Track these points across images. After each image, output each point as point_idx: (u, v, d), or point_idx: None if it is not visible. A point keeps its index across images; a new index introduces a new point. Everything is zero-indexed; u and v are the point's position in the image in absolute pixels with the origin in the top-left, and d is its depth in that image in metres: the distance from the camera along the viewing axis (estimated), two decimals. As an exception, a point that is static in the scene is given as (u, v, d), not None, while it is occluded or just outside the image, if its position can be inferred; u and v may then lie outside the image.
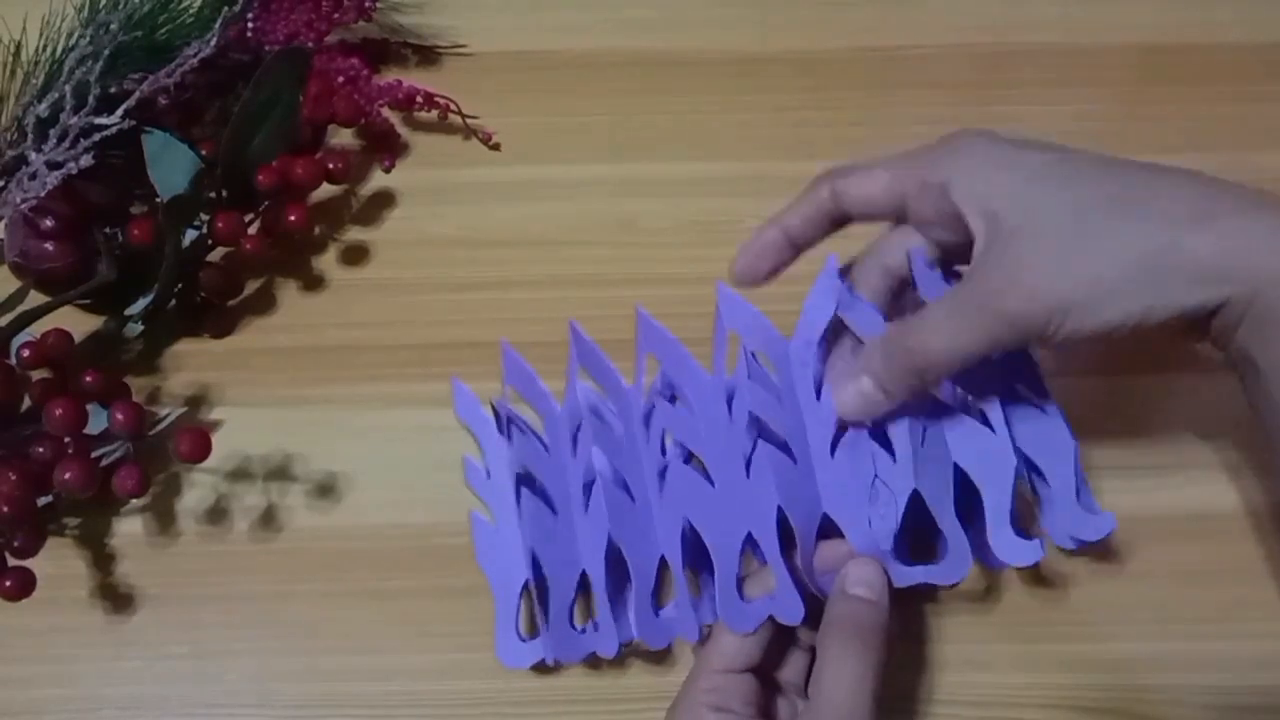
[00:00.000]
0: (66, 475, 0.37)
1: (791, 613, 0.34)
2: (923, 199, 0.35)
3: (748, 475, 0.35)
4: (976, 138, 0.34)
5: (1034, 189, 0.32)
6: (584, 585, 0.37)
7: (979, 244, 0.33)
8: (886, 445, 0.35)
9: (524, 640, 0.38)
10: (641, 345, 0.37)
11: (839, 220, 0.37)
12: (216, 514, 0.42)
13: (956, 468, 0.35)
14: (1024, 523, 0.35)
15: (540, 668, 0.38)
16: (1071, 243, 0.31)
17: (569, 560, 0.37)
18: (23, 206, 0.41)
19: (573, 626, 0.37)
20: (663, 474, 0.36)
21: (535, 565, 0.36)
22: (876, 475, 0.35)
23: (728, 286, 0.37)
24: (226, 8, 0.46)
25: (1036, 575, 0.40)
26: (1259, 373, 0.32)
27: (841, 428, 0.35)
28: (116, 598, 0.41)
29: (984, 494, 0.35)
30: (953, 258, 0.36)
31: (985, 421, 0.35)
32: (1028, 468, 0.36)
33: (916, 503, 0.34)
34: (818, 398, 0.35)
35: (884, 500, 0.34)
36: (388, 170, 0.51)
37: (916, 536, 0.36)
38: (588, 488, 0.37)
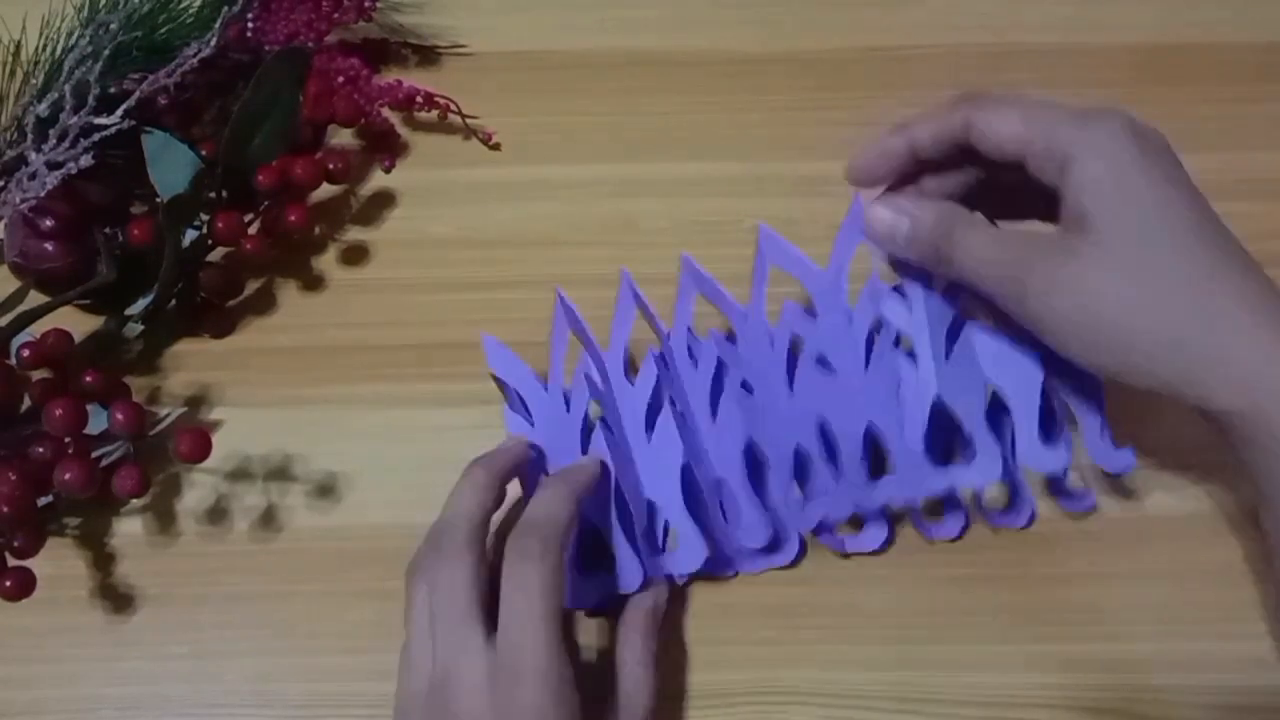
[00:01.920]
0: (66, 475, 0.37)
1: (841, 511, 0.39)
2: (1042, 163, 0.34)
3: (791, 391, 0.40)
4: (1118, 127, 0.33)
5: (1131, 222, 0.32)
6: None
7: (1059, 229, 0.34)
8: (911, 358, 0.39)
9: (586, 576, 0.39)
10: (685, 287, 0.42)
11: (965, 150, 0.36)
12: (216, 514, 0.43)
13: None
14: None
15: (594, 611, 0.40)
16: (1120, 296, 0.32)
17: (643, 487, 0.39)
18: (23, 206, 0.41)
19: (646, 550, 0.39)
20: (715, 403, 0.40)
21: (619, 496, 0.38)
22: (901, 382, 0.39)
23: (769, 227, 0.41)
24: (226, 8, 0.46)
25: (1037, 574, 0.41)
26: (1264, 497, 0.33)
27: (869, 345, 0.39)
28: (116, 598, 0.41)
29: (1011, 406, 0.38)
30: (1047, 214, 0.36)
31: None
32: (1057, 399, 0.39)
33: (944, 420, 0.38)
34: (849, 323, 0.40)
35: (911, 405, 0.38)
36: (388, 170, 0.51)
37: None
38: (651, 418, 0.40)
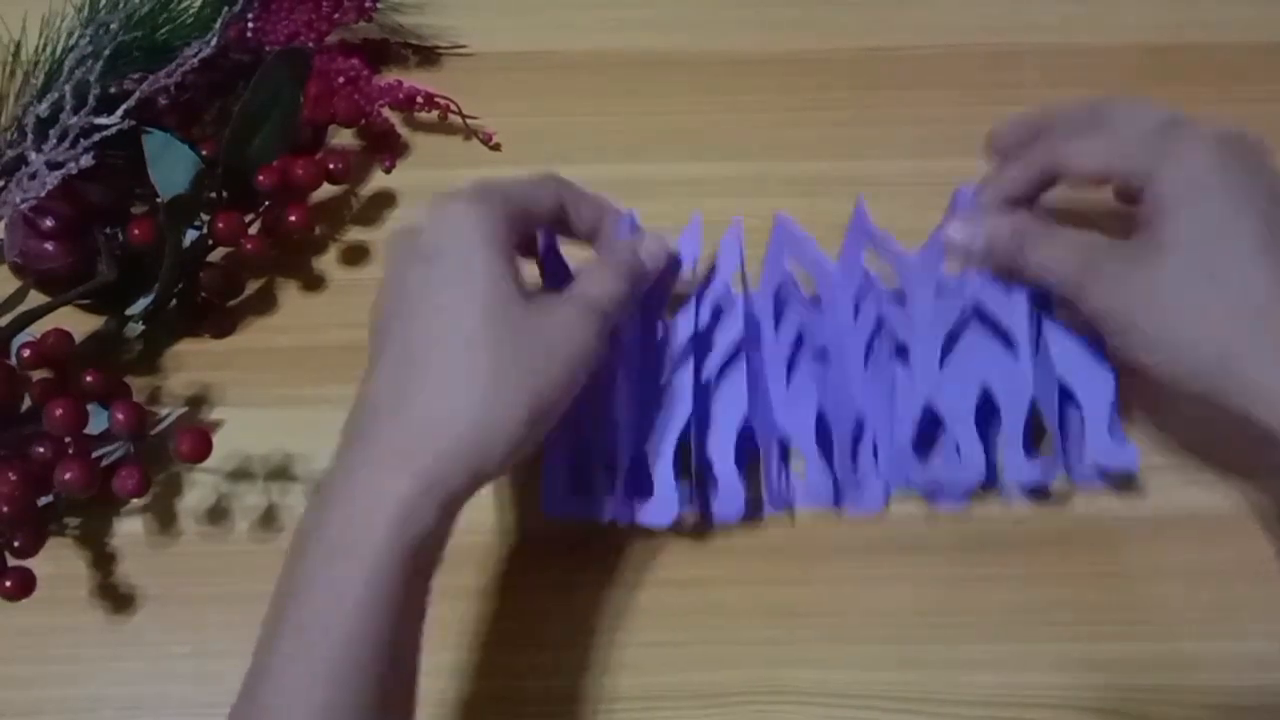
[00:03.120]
0: (66, 475, 0.37)
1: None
2: (1127, 182, 0.37)
3: (787, 385, 0.42)
4: (1203, 138, 0.35)
5: (1200, 233, 0.34)
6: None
7: (1137, 233, 0.36)
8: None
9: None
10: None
11: (1049, 181, 0.39)
12: (217, 514, 0.42)
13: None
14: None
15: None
16: (1178, 304, 0.33)
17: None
18: (23, 206, 0.41)
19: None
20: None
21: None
22: (896, 384, 0.41)
23: (786, 216, 0.44)
24: (226, 8, 0.46)
25: (1036, 574, 0.40)
26: None
27: (869, 345, 0.42)
28: (116, 598, 0.41)
29: (1082, 403, 0.39)
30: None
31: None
32: (1063, 397, 0.40)
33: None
34: (855, 319, 0.42)
35: (902, 403, 0.40)
36: (388, 170, 0.51)
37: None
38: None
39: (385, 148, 0.51)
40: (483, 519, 0.40)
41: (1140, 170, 0.35)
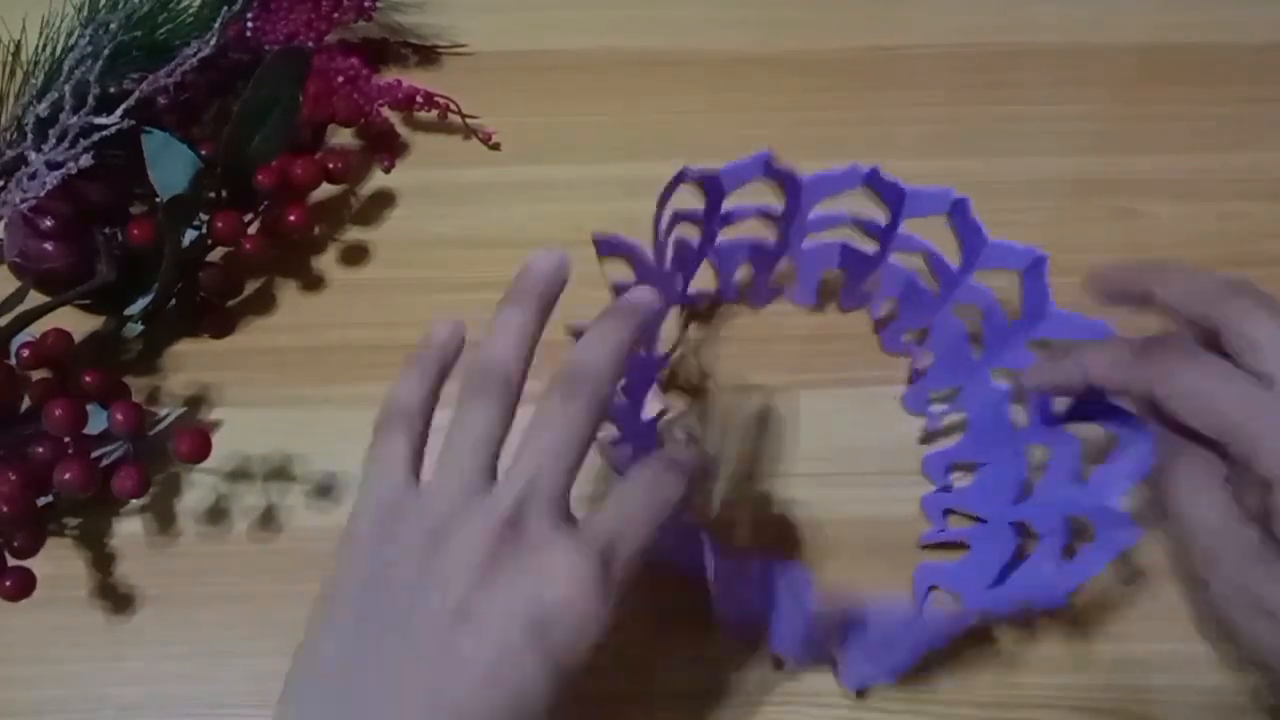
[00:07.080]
0: (66, 475, 0.37)
1: None
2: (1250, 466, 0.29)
3: None
4: None
5: None
6: None
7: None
8: None
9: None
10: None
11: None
12: (216, 514, 0.42)
13: None
14: None
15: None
16: None
17: None
18: (23, 206, 0.41)
19: None
20: None
21: None
22: None
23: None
24: (226, 7, 0.46)
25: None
26: None
27: None
28: (116, 598, 0.41)
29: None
30: None
31: None
32: None
33: None
34: None
35: None
36: (387, 170, 0.51)
37: None
38: None
39: (385, 147, 0.51)
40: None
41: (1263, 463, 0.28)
